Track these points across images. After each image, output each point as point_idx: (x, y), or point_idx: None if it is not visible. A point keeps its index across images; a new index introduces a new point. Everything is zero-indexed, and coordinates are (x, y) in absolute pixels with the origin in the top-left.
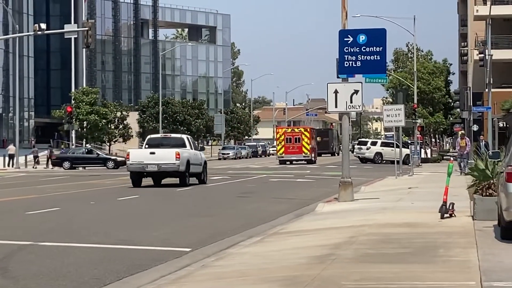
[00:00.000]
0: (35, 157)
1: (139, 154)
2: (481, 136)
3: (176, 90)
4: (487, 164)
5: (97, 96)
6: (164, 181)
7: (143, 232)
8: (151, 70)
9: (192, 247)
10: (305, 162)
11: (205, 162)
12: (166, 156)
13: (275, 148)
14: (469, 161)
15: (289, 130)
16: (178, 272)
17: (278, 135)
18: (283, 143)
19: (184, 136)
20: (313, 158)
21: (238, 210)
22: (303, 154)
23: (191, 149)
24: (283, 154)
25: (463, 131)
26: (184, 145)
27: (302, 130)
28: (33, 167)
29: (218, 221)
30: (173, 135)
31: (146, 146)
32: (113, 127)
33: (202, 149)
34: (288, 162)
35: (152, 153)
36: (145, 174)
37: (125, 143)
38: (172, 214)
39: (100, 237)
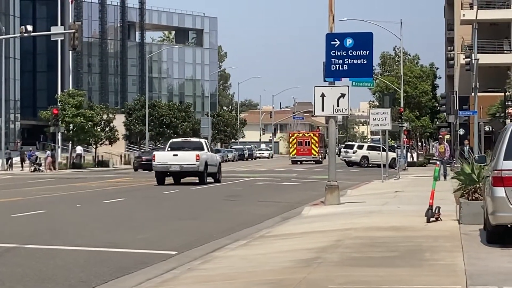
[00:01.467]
0: (8, 159)
1: (163, 156)
2: (466, 141)
3: (163, 93)
4: (473, 168)
5: (83, 99)
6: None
7: (129, 235)
8: (137, 73)
9: (178, 250)
10: (314, 162)
11: (220, 163)
12: (187, 158)
13: (261, 152)
14: (455, 165)
15: (301, 134)
16: (164, 275)
17: (291, 139)
18: (295, 145)
19: (202, 140)
20: (320, 159)
21: (225, 213)
22: (312, 156)
23: (208, 151)
24: (295, 155)
25: (441, 136)
26: (202, 148)
27: (312, 134)
28: (5, 169)
29: (204, 224)
30: (192, 139)
31: (169, 149)
32: (99, 129)
33: (218, 151)
34: (299, 162)
35: (175, 155)
36: (168, 173)
37: (111, 145)
38: (158, 217)
39: (86, 240)
